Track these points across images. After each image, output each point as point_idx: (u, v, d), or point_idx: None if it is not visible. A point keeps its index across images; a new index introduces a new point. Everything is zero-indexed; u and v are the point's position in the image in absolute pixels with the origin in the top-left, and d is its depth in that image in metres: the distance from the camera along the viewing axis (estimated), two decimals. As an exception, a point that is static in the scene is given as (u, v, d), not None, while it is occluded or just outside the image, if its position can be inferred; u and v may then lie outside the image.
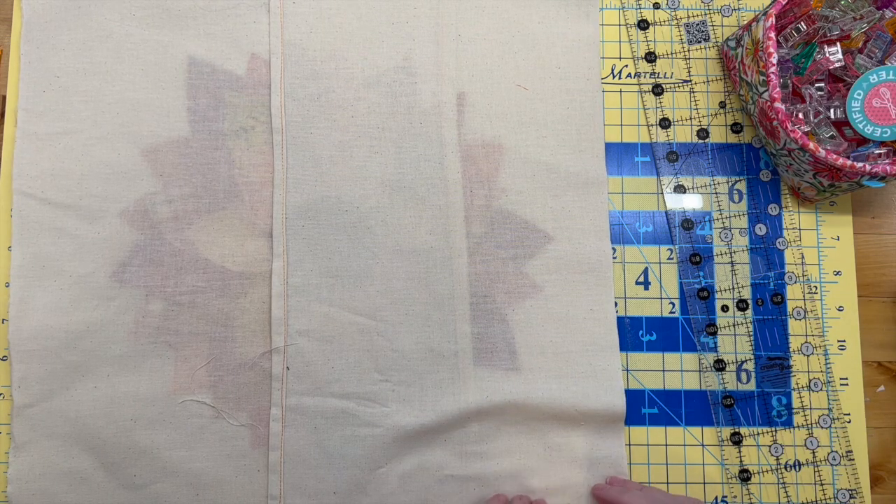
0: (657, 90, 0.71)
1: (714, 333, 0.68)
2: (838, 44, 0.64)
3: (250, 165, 0.68)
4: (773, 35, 0.61)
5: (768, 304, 0.68)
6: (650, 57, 0.72)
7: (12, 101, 0.69)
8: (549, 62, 0.71)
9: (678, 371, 0.67)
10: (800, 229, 0.69)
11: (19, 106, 0.67)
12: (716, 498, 0.66)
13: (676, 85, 0.71)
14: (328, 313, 0.67)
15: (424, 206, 0.68)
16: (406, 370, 0.66)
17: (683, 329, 0.68)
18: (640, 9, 0.72)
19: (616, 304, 0.68)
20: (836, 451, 0.66)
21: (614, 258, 0.69)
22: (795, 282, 0.69)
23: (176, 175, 0.67)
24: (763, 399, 0.67)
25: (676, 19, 0.72)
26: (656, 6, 0.72)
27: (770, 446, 0.66)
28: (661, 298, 0.68)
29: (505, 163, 0.69)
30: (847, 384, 0.67)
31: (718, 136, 0.71)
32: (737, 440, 0.66)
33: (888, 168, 0.60)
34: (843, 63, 0.63)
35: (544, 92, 0.70)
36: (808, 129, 0.64)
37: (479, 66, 0.70)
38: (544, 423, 0.66)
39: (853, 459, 0.66)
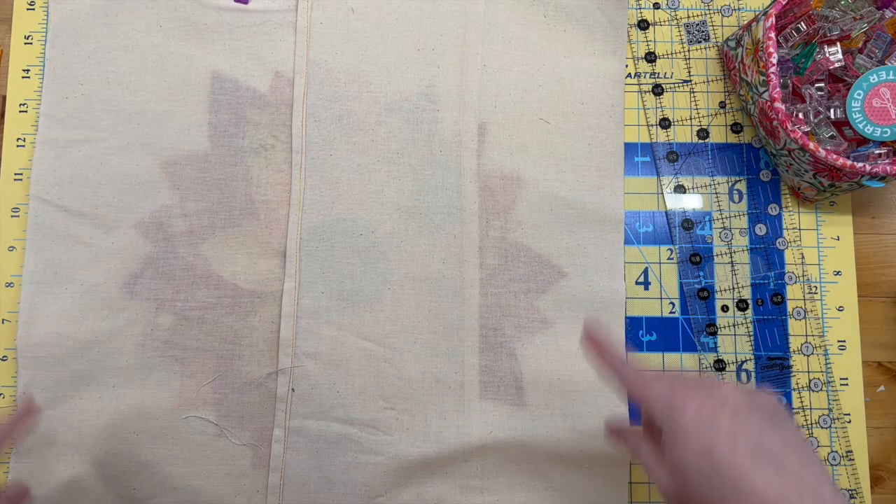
0: (657, 90, 0.68)
1: (714, 333, 0.65)
2: (838, 44, 0.60)
3: (268, 184, 0.64)
4: (773, 35, 0.58)
5: (768, 304, 0.65)
6: (650, 57, 0.68)
7: (12, 100, 0.65)
8: (573, 97, 0.66)
9: (678, 371, 0.64)
10: (800, 229, 0.66)
11: (41, 112, 0.64)
12: (716, 497, 0.64)
13: (676, 85, 0.68)
14: (337, 337, 0.63)
15: (439, 235, 0.64)
16: (411, 399, 0.63)
17: (683, 329, 0.65)
18: (640, 9, 0.68)
19: (627, 341, 0.65)
20: (837, 452, 0.63)
21: (614, 258, 0.67)
22: (795, 282, 0.66)
23: (193, 189, 0.64)
24: (763, 399, 0.65)
25: (676, 19, 0.69)
26: (656, 6, 0.69)
27: (770, 446, 0.65)
28: (661, 298, 0.65)
29: (522, 196, 0.65)
30: (847, 384, 0.64)
31: (718, 136, 0.67)
32: (737, 440, 0.65)
33: (888, 168, 0.57)
34: (843, 63, 0.60)
35: (566, 127, 0.66)
36: (808, 129, 0.60)
37: (502, 96, 0.66)
38: (548, 463, 0.62)
39: (853, 459, 0.63)
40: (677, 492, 0.43)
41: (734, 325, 0.65)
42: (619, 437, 0.52)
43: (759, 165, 0.67)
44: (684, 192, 0.67)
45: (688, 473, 0.42)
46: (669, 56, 0.69)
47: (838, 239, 0.67)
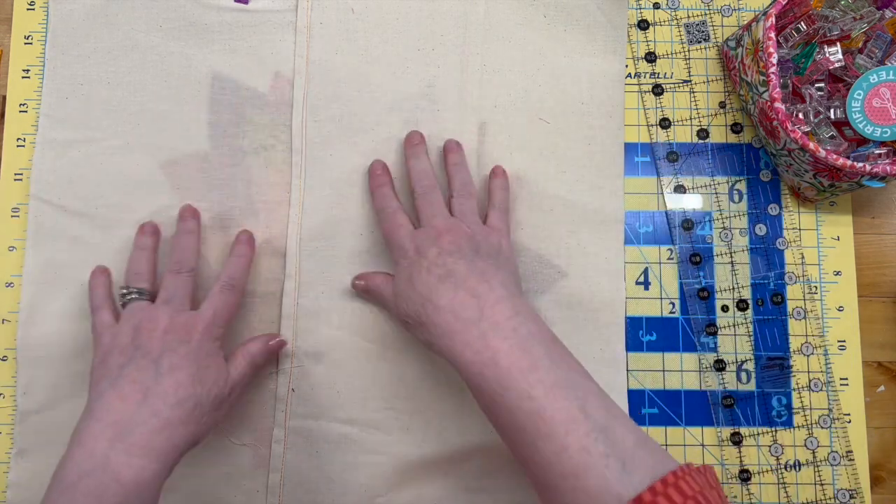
0: (657, 90, 0.67)
1: (714, 333, 0.64)
2: (838, 44, 0.60)
3: (268, 184, 0.64)
4: (773, 35, 0.57)
5: (768, 304, 0.65)
6: (650, 57, 0.68)
7: (12, 100, 0.65)
8: (573, 97, 0.66)
9: (678, 371, 0.64)
10: (800, 229, 0.66)
11: (41, 112, 0.64)
12: (716, 498, 0.64)
13: (676, 85, 0.68)
14: (336, 337, 0.63)
15: None
16: (411, 399, 0.62)
17: (683, 329, 0.65)
18: (640, 9, 0.68)
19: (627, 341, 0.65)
20: (836, 452, 0.63)
21: (614, 258, 0.66)
22: (795, 282, 0.65)
23: (193, 189, 0.63)
24: (763, 399, 0.63)
25: (676, 19, 0.68)
26: (656, 6, 0.68)
27: (770, 446, 0.63)
28: (661, 298, 0.65)
29: (522, 196, 0.65)
30: (847, 384, 0.64)
31: (718, 136, 0.67)
32: (737, 440, 0.63)
33: (888, 168, 0.56)
34: (843, 63, 0.59)
35: (566, 126, 0.66)
36: (808, 129, 0.60)
37: (502, 96, 0.66)
38: None
39: (853, 459, 0.63)
40: (401, 313, 0.55)
41: (734, 325, 0.65)
42: (365, 284, 0.62)
43: (759, 165, 0.67)
44: (684, 192, 0.67)
45: (400, 297, 0.55)
46: (669, 56, 0.68)
47: (838, 239, 0.66)
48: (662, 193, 0.67)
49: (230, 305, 0.57)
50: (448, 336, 0.49)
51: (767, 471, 0.63)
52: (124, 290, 0.57)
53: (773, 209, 0.66)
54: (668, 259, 0.66)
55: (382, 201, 0.60)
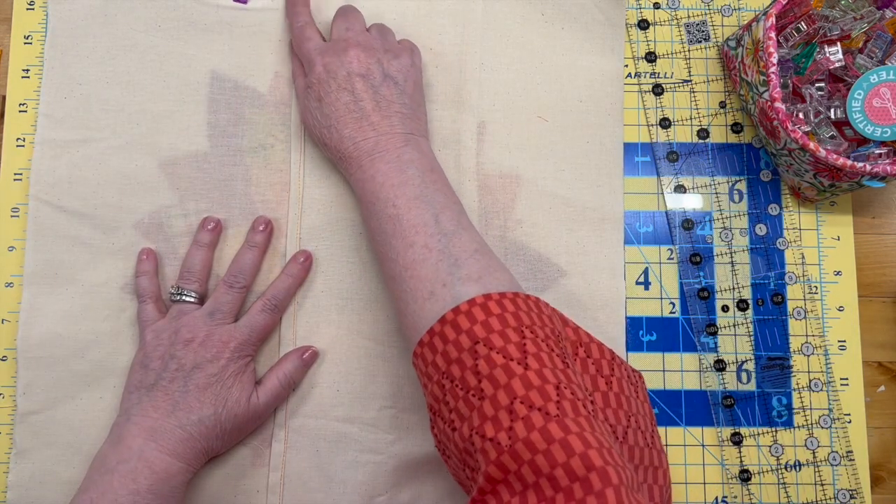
0: (657, 90, 0.68)
1: (714, 333, 0.64)
2: (838, 44, 0.60)
3: (267, 184, 0.64)
4: (773, 35, 0.58)
5: (768, 304, 0.65)
6: (650, 57, 0.68)
7: (12, 100, 0.65)
8: (572, 95, 0.66)
9: (678, 371, 0.64)
10: (800, 229, 0.66)
11: (40, 111, 0.64)
12: (716, 498, 0.62)
13: (676, 85, 0.68)
14: (336, 336, 0.63)
15: None
16: (411, 398, 0.62)
17: (683, 329, 0.65)
18: (640, 9, 0.68)
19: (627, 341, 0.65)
20: (837, 452, 0.63)
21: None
22: (796, 282, 0.65)
23: (192, 189, 0.64)
24: (763, 399, 0.64)
25: (676, 19, 0.69)
26: (656, 6, 0.69)
27: (770, 446, 0.63)
28: (661, 298, 0.65)
29: (521, 194, 0.65)
30: (847, 384, 0.64)
31: (718, 136, 0.67)
32: (737, 440, 0.63)
33: (888, 168, 0.56)
34: (843, 63, 0.60)
35: (565, 125, 0.66)
36: (809, 129, 0.60)
37: (500, 95, 0.66)
38: None
39: (853, 459, 0.63)
40: (308, 125, 0.61)
41: (734, 325, 0.65)
42: (295, 47, 0.64)
43: (760, 165, 0.67)
44: (684, 192, 0.67)
45: (309, 112, 0.60)
46: (669, 56, 0.69)
47: (838, 239, 0.66)
48: (662, 193, 0.67)
49: (267, 326, 0.61)
50: (346, 160, 0.57)
51: (768, 471, 0.63)
52: (173, 291, 0.60)
53: (773, 209, 0.66)
54: (669, 259, 0.66)
55: (295, 16, 0.63)
